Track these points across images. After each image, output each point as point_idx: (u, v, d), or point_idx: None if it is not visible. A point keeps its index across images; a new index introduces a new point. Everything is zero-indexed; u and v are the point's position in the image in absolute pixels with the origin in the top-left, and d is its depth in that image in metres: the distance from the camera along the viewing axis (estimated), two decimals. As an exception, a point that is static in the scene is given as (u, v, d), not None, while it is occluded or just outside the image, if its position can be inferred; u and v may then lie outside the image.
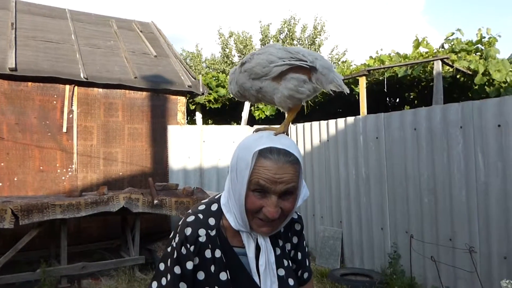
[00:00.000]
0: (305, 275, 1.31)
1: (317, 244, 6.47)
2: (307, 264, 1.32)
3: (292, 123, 7.62)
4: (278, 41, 20.22)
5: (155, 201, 5.45)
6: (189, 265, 1.07)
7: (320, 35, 20.70)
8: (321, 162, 6.55)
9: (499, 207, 4.16)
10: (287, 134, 1.20)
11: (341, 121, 6.15)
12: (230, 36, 21.76)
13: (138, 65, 7.89)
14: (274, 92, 1.19)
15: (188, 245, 1.07)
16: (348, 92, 1.28)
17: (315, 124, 6.67)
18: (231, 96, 8.29)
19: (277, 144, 1.07)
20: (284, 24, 21.03)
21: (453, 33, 6.76)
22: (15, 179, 6.21)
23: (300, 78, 1.17)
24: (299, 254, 1.29)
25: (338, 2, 38.11)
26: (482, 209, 4.30)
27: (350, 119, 5.98)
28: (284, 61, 1.16)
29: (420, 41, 6.43)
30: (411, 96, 7.66)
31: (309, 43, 20.69)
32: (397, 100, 8.58)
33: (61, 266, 5.02)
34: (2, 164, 6.12)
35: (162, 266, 1.12)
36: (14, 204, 4.62)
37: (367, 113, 5.97)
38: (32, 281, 4.88)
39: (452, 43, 6.66)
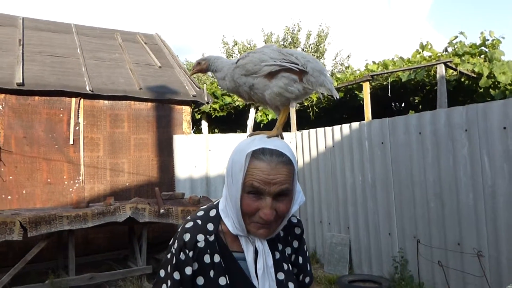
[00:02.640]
0: (307, 279, 1.30)
1: (325, 251, 6.44)
2: (308, 268, 1.31)
3: (297, 130, 7.63)
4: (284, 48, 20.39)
5: (162, 210, 5.47)
6: (188, 270, 1.08)
7: (324, 41, 20.80)
8: (327, 168, 6.53)
9: (507, 210, 4.11)
10: (281, 137, 1.21)
11: (346, 127, 6.14)
12: (234, 45, 21.94)
13: (143, 76, 7.97)
14: (265, 89, 1.23)
15: (187, 251, 1.09)
16: (338, 97, 1.30)
17: (320, 130, 6.67)
18: (237, 104, 8.31)
19: (270, 145, 1.08)
20: (287, 32, 21.16)
21: (456, 37, 6.75)
22: (24, 192, 6.28)
23: (290, 77, 1.21)
24: (300, 258, 1.28)
25: (341, 8, 38.26)
26: (490, 212, 4.26)
27: (355, 125, 5.97)
28: (275, 61, 1.21)
29: (424, 45, 6.43)
30: (416, 101, 7.64)
31: (313, 50, 20.77)
32: (403, 105, 8.56)
33: (69, 277, 5.05)
34: (11, 177, 6.20)
35: (162, 273, 1.13)
36: (22, 216, 4.67)
37: (372, 119, 5.95)
38: (41, 292, 4.91)
39: (455, 46, 6.64)
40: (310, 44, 21.04)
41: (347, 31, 36.61)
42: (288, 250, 1.25)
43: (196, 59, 1.16)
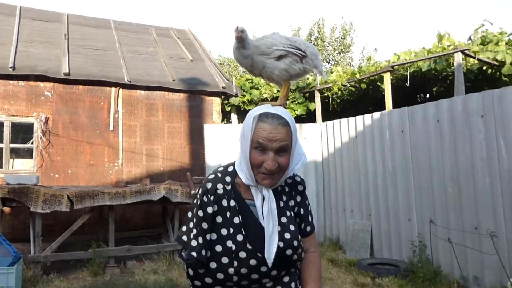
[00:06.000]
0: (308, 228, 1.57)
1: (347, 237, 6.64)
2: (310, 220, 1.59)
3: (322, 121, 7.87)
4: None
5: (192, 192, 5.90)
6: (209, 210, 1.40)
7: (349, 34, 20.82)
8: (350, 158, 6.74)
9: (522, 194, 4.21)
10: (284, 107, 1.54)
11: (368, 117, 6.34)
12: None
13: (176, 68, 8.45)
14: (274, 67, 1.59)
15: (209, 195, 1.41)
16: (326, 78, 1.70)
17: (344, 121, 6.88)
18: (264, 97, 8.62)
19: (272, 110, 1.41)
20: (313, 26, 21.30)
21: (482, 25, 6.74)
22: (69, 171, 6.90)
23: (294, 58, 1.59)
24: (302, 210, 1.56)
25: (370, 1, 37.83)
26: (507, 195, 4.35)
27: (376, 115, 6.17)
28: (284, 47, 1.58)
29: (442, 35, 6.49)
30: (440, 90, 7.69)
31: (339, 44, 20.84)
32: (427, 96, 8.61)
33: (109, 247, 5.56)
34: (58, 158, 6.83)
35: (190, 214, 1.47)
36: (69, 190, 5.22)
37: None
38: (84, 260, 5.45)
39: (481, 34, 6.63)
40: (337, 38, 21.07)
41: (376, 25, 36.18)
42: (292, 202, 1.53)
43: (239, 27, 1.40)
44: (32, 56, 7.15)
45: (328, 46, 21.18)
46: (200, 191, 1.44)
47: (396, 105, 6.42)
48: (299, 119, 9.94)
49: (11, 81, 6.72)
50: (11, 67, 6.58)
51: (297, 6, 36.32)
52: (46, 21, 8.73)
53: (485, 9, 36.56)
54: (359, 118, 6.53)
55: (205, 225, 1.39)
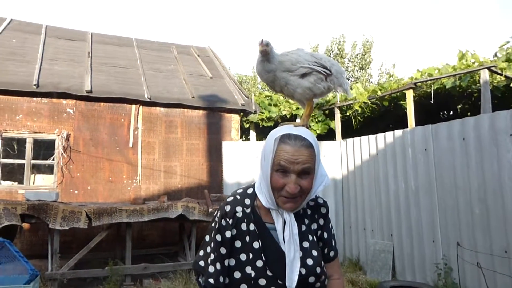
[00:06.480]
0: (331, 253, 1.50)
1: (368, 258, 6.46)
2: (333, 244, 1.51)
3: (341, 139, 7.76)
4: None
5: (210, 210, 5.84)
6: (228, 234, 1.34)
7: (369, 51, 20.79)
8: (370, 176, 6.60)
9: (554, 216, 4.02)
10: (307, 127, 1.46)
11: (389, 135, 6.21)
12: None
13: (195, 86, 8.52)
14: (297, 85, 1.53)
15: (227, 219, 1.35)
16: (351, 96, 1.62)
17: (364, 138, 6.77)
18: (284, 114, 8.56)
19: (294, 131, 1.34)
20: (333, 43, 21.35)
21: (508, 42, 6.60)
22: (88, 187, 6.96)
23: (318, 76, 1.51)
24: (325, 234, 1.48)
25: (388, 16, 37.74)
26: (538, 218, 4.17)
27: (398, 132, 6.03)
28: (309, 64, 1.52)
29: (464, 53, 6.36)
30: (465, 107, 7.50)
31: (359, 60, 20.80)
32: (451, 113, 8.41)
33: (126, 265, 5.52)
34: (78, 174, 6.91)
35: (207, 238, 1.41)
36: (88, 207, 5.23)
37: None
38: (101, 277, 5.42)
39: (507, 51, 6.49)
40: (357, 55, 21.05)
41: (393, 41, 36.00)
42: (314, 226, 1.46)
43: (264, 40, 1.35)
44: (56, 74, 7.33)
45: (348, 63, 21.19)
46: (218, 214, 1.39)
47: (418, 122, 6.29)
48: (318, 137, 9.83)
49: (34, 98, 6.88)
50: (35, 85, 6.75)
51: (316, 23, 36.57)
52: (71, 39, 8.98)
53: (508, 26, 35.97)
54: (380, 135, 6.40)
55: (223, 250, 1.33)
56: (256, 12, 41.34)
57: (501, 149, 4.48)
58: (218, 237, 1.35)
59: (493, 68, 5.52)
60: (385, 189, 6.25)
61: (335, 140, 7.90)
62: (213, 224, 1.40)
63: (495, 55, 6.53)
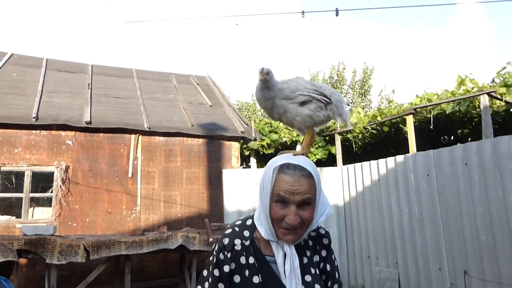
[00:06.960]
0: (335, 286, 1.42)
1: (373, 286, 6.31)
2: (337, 276, 1.44)
3: (342, 165, 7.71)
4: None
5: (210, 239, 5.72)
6: (226, 268, 1.28)
7: (369, 78, 21.01)
8: (373, 202, 6.52)
9: None
10: (306, 156, 1.42)
11: (391, 160, 6.17)
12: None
13: (195, 114, 8.54)
14: (296, 113, 1.49)
15: (226, 252, 1.30)
16: (350, 127, 1.58)
17: (366, 164, 6.72)
18: (284, 140, 8.55)
19: (293, 161, 1.29)
20: (333, 70, 21.60)
21: (504, 67, 6.66)
22: (87, 220, 6.85)
23: (318, 104, 1.47)
24: (328, 266, 1.41)
25: (386, 44, 38.36)
26: (546, 245, 4.08)
27: (400, 158, 5.99)
28: (308, 92, 1.49)
29: (463, 78, 6.41)
30: (465, 132, 7.49)
31: (359, 87, 20.97)
32: (452, 138, 8.39)
33: (125, 301, 5.36)
34: (76, 206, 6.82)
35: (205, 272, 1.34)
36: (86, 240, 5.12)
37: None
38: (99, 314, 5.26)
39: (504, 77, 6.54)
40: (357, 81, 21.26)
41: (391, 67, 36.46)
42: (316, 258, 1.39)
43: (265, 68, 1.35)
44: (55, 106, 7.35)
45: (348, 89, 21.39)
46: (216, 248, 1.33)
47: (419, 147, 6.27)
48: (319, 162, 9.79)
49: (33, 131, 6.88)
50: (34, 117, 6.76)
51: (315, 50, 37.18)
52: (71, 72, 9.07)
53: (503, 53, 36.54)
54: (381, 161, 6.36)
55: (221, 286, 1.27)
56: (256, 39, 42.12)
57: (505, 174, 4.43)
58: (216, 272, 1.28)
59: (492, 93, 5.54)
60: (389, 216, 6.15)
61: (336, 165, 7.86)
62: (211, 258, 1.34)
63: (493, 80, 6.58)
